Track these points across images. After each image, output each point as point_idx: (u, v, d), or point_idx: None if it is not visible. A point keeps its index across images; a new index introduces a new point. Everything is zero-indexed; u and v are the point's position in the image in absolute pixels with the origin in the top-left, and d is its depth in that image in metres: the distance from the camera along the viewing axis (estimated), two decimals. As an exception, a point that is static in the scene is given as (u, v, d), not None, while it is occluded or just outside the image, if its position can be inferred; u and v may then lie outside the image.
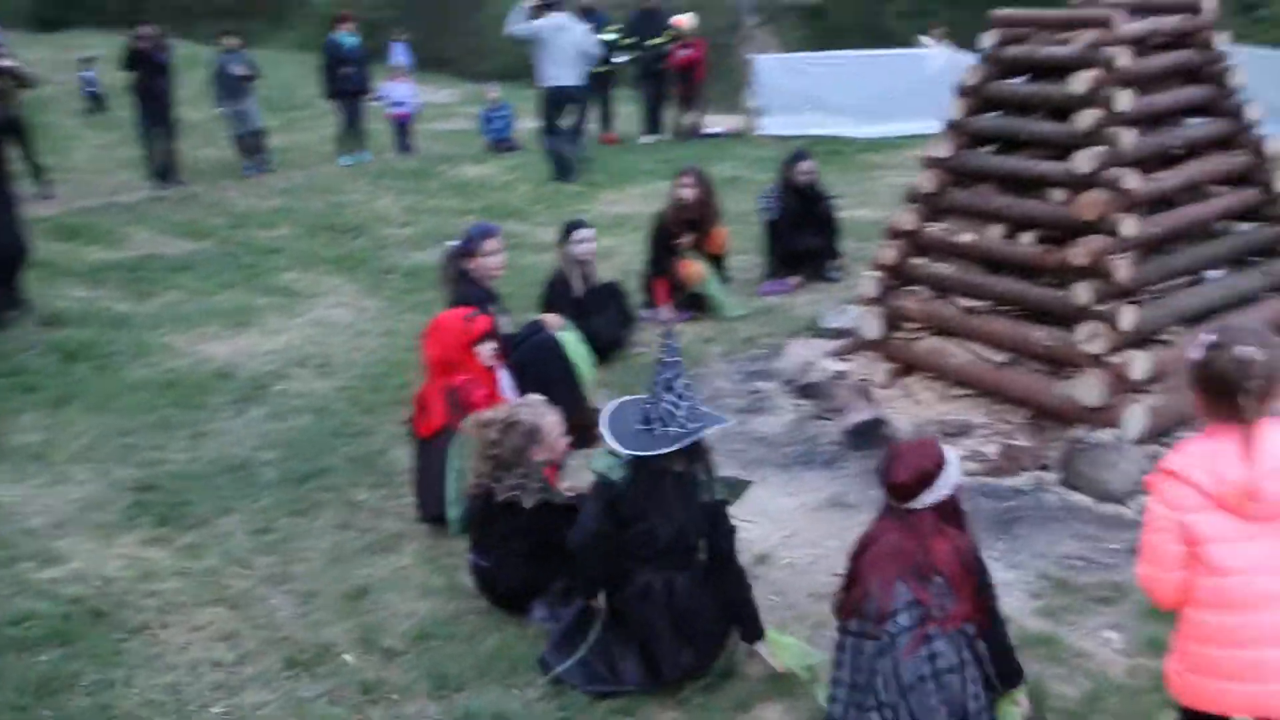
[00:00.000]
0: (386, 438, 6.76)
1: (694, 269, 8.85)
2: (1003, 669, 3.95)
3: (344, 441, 6.77)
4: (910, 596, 3.79)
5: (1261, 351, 3.04)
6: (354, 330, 8.89)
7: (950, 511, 3.92)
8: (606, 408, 4.52)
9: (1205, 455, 3.13)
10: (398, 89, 16.02)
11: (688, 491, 4.36)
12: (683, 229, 8.89)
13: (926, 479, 3.84)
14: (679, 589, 4.36)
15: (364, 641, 4.80)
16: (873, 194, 12.57)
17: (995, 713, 3.93)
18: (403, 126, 16.07)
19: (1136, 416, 5.95)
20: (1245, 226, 6.86)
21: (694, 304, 8.91)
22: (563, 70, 13.45)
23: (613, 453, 4.44)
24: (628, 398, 4.65)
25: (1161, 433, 6.04)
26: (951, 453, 3.93)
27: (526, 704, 4.36)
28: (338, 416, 7.14)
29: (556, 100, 13.74)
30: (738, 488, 4.75)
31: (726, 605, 4.46)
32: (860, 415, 6.67)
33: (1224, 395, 3.10)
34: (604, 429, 4.41)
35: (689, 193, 8.86)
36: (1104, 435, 5.94)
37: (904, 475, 3.83)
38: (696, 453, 4.42)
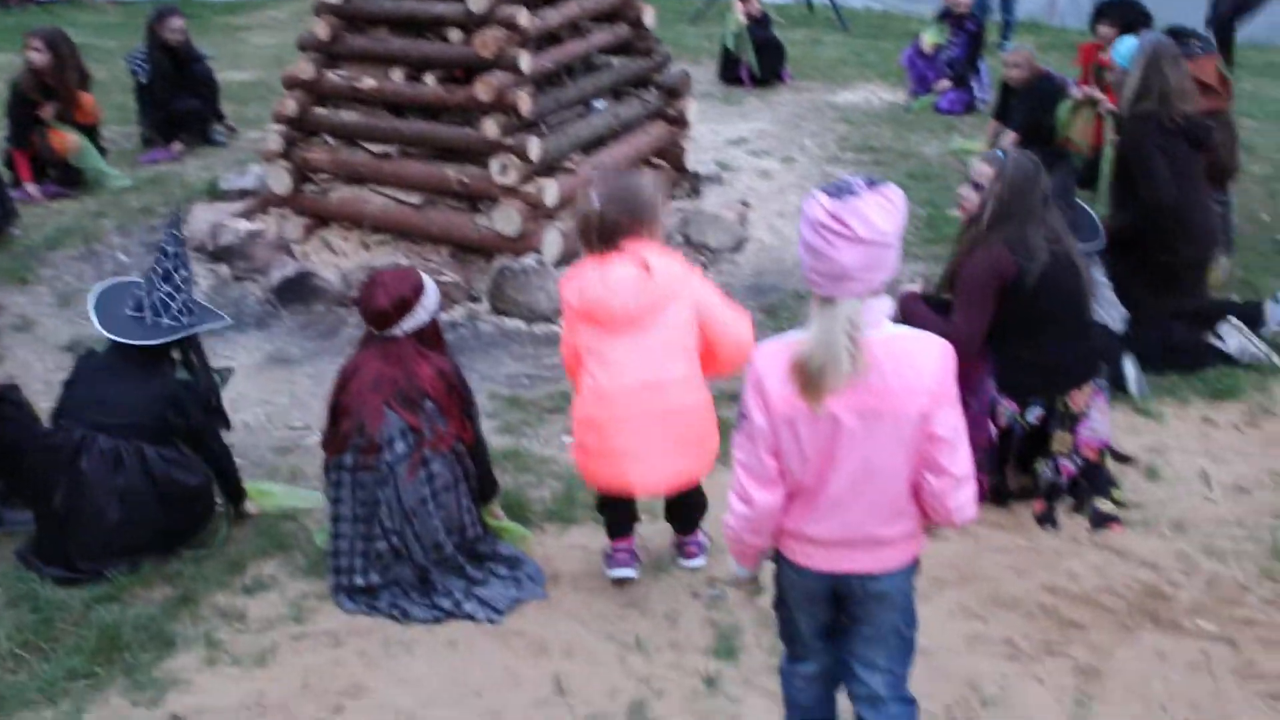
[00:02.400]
0: None
1: (66, 140, 8.04)
2: (485, 483, 4.15)
3: None
4: (402, 424, 3.83)
5: (600, 198, 3.68)
6: None
7: (431, 337, 3.99)
8: (96, 287, 4.24)
9: (576, 278, 3.76)
10: None
11: (156, 372, 4.23)
12: (42, 97, 8.03)
13: (405, 305, 3.87)
14: (152, 459, 4.09)
15: None
16: (241, 56, 12.06)
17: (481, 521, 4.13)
18: None
19: (553, 241, 6.34)
20: (619, 60, 7.39)
21: (71, 179, 8.12)
22: None
23: None
24: (122, 280, 4.55)
25: (576, 254, 6.46)
26: (430, 280, 3.99)
27: (-10, 613, 3.92)
28: None
29: None
30: (224, 375, 4.65)
31: (216, 475, 4.32)
32: (285, 271, 6.51)
33: (579, 231, 3.80)
34: (90, 310, 4.24)
35: (40, 56, 7.97)
36: (526, 261, 6.26)
37: (384, 302, 3.84)
38: (189, 343, 4.37)
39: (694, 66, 11.16)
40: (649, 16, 7.37)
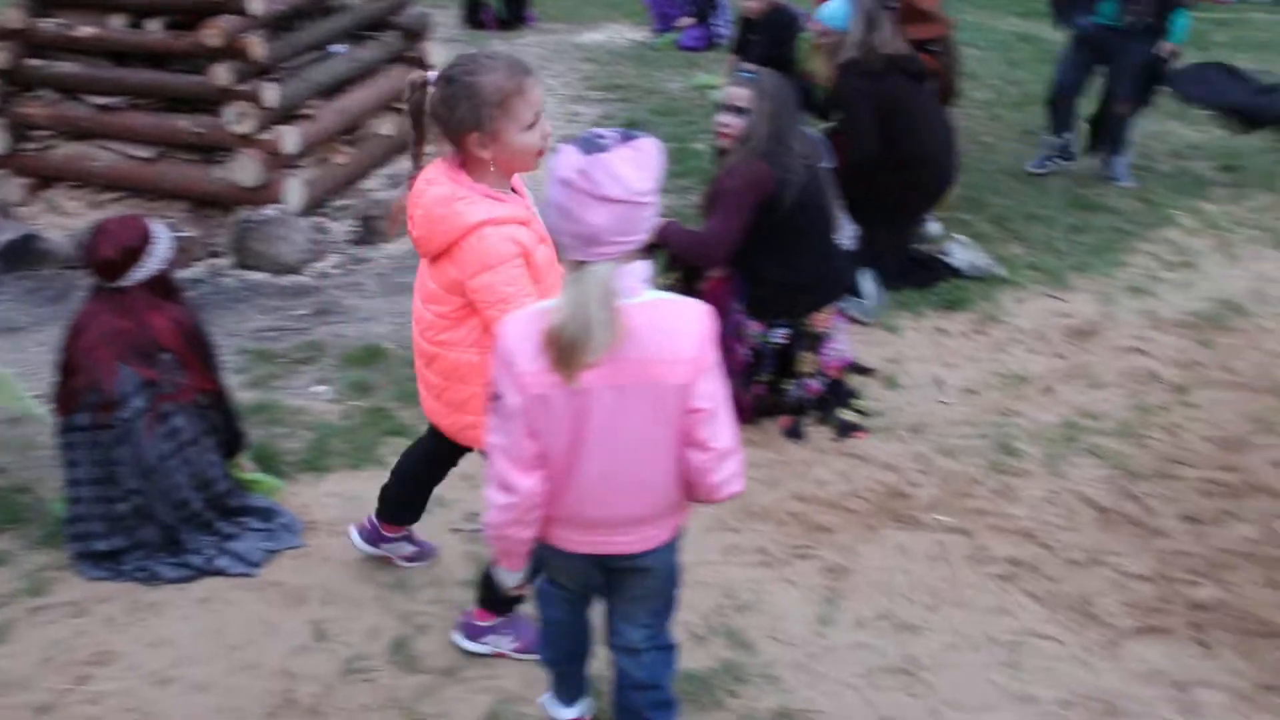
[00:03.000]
0: None
1: None
2: (232, 435, 4.02)
3: None
4: (138, 378, 3.67)
5: (442, 75, 2.87)
6: None
7: (164, 287, 3.81)
8: None
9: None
10: None
11: None
12: None
13: (134, 254, 3.68)
14: None
15: None
16: (-54, 10, 11.22)
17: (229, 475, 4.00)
18: None
19: (295, 189, 6.15)
20: (357, 2, 7.20)
21: None
22: None
23: None
24: None
25: (320, 202, 6.31)
26: (160, 227, 3.81)
27: None
28: None
29: None
30: None
31: None
32: (6, 235, 6.12)
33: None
34: None
35: None
36: (268, 212, 6.07)
37: (110, 251, 3.65)
38: None
39: (438, 11, 11.01)
40: (385, -43, 7.21)
